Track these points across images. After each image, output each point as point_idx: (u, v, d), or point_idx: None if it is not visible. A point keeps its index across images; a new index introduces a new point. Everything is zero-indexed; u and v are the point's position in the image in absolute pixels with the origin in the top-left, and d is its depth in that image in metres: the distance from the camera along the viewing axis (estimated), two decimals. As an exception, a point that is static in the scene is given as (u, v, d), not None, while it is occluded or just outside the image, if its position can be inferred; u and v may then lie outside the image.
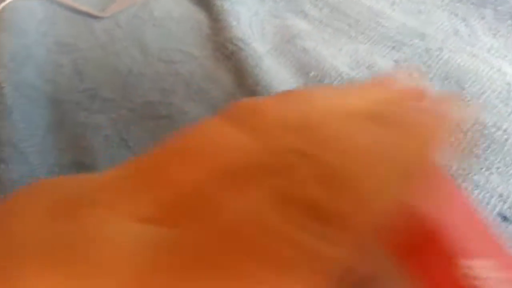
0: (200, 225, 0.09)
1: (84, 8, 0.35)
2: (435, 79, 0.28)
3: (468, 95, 0.26)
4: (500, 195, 0.22)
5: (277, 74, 0.28)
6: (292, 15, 0.33)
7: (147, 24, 0.33)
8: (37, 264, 0.08)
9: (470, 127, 0.25)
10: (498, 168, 0.23)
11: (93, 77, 0.30)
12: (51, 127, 0.26)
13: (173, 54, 0.31)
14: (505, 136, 0.24)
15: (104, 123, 0.27)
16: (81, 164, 0.25)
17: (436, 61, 0.29)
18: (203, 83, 0.29)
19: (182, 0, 0.35)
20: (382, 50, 0.30)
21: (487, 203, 0.22)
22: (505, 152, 0.23)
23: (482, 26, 0.31)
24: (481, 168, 0.23)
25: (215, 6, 0.33)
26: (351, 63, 0.29)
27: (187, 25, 0.33)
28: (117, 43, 0.32)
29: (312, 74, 0.28)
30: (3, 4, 0.33)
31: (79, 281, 0.07)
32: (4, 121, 0.26)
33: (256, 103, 0.12)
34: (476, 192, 0.22)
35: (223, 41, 0.31)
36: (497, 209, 0.22)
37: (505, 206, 0.22)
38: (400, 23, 0.31)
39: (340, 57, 0.29)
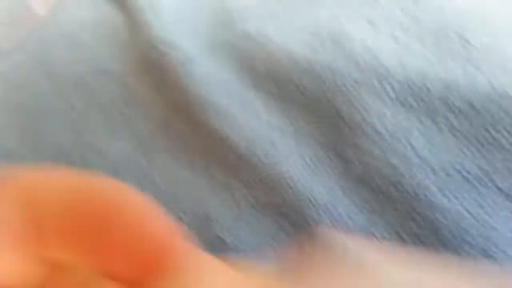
0: None
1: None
2: (428, 35, 0.20)
3: (476, 53, 0.19)
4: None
5: (215, 79, 0.21)
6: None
7: (57, 44, 0.27)
8: None
9: (485, 102, 0.17)
10: None
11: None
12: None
13: (89, 77, 0.24)
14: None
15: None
16: None
17: (426, 9, 0.21)
18: (127, 110, 0.22)
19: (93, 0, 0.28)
20: (350, 10, 0.22)
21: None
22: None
23: None
24: (508, 164, 0.16)
25: (128, 1, 0.25)
26: (312, 40, 0.22)
27: (102, 34, 0.26)
28: (25, 78, 0.26)
29: (260, 68, 0.21)
30: None
31: None
32: None
33: None
34: (502, 201, 0.15)
35: (144, 47, 0.24)
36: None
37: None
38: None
39: (295, 34, 0.22)
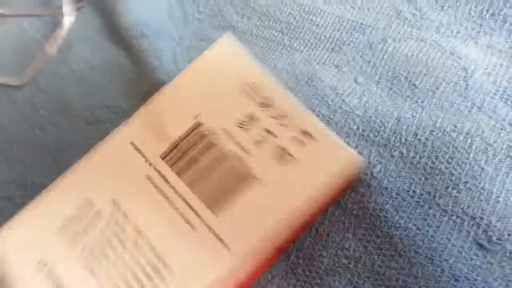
0: None
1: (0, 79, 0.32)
2: (383, 79, 0.24)
3: (421, 95, 0.23)
4: (473, 217, 0.19)
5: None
6: (220, 32, 0.30)
7: (68, 80, 0.30)
8: None
9: (428, 136, 0.21)
10: (465, 183, 0.20)
11: (22, 162, 0.28)
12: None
13: (99, 112, 0.28)
14: (469, 141, 0.21)
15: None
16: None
17: (381, 57, 0.25)
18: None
19: (100, 43, 0.32)
20: (320, 56, 0.26)
21: (459, 230, 0.19)
22: (471, 161, 0.20)
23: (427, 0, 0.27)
24: (447, 187, 0.20)
25: (134, 47, 0.29)
26: (289, 80, 0.26)
27: (109, 73, 0.30)
28: (40, 111, 0.29)
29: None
30: None
31: None
32: None
33: None
34: (444, 219, 0.19)
35: (148, 88, 0.27)
36: (471, 236, 0.19)
37: (480, 231, 0.19)
38: (336, 17, 0.27)
39: (276, 75, 0.26)
